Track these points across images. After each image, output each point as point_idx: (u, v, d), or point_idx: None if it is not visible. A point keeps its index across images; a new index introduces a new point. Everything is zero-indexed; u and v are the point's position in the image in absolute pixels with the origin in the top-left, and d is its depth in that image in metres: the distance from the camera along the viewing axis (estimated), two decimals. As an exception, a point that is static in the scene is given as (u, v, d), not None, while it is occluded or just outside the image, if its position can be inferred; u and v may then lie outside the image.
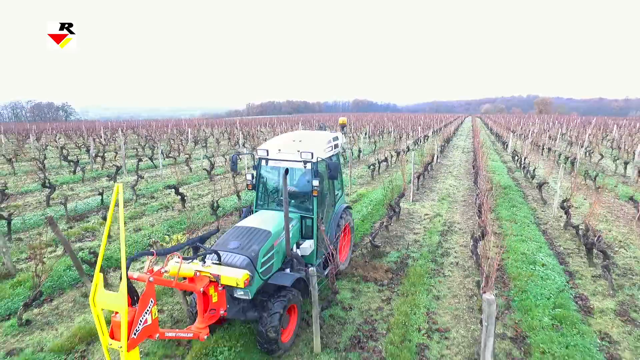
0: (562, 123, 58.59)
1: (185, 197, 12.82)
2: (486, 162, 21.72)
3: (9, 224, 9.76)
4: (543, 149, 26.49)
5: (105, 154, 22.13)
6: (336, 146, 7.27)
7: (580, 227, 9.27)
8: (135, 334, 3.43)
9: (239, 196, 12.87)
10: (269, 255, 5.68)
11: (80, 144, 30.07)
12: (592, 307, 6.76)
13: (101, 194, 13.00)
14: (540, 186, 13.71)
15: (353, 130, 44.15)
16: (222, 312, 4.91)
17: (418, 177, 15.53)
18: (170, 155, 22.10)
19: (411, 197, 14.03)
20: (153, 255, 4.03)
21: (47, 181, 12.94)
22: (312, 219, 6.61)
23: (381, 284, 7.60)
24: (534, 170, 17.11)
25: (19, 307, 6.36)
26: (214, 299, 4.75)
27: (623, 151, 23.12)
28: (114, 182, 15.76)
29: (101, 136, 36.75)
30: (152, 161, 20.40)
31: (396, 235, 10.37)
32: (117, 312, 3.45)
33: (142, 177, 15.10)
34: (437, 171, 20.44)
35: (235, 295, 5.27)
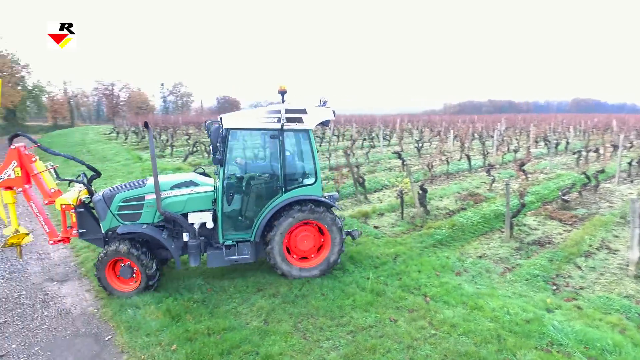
0: None
1: (405, 162, 17.03)
2: None
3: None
4: None
5: (338, 135, 29.16)
6: (290, 119, 6.23)
7: None
8: (2, 179, 5.89)
9: (447, 162, 16.27)
10: (132, 203, 6.10)
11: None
12: None
13: (328, 157, 18.50)
14: None
15: (564, 127, 40.70)
16: (74, 232, 6.17)
17: None
18: (385, 138, 27.24)
19: None
20: (36, 144, 6.22)
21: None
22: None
23: (565, 223, 9.80)
24: None
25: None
26: (73, 219, 6.18)
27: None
28: (351, 151, 21.44)
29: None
30: (371, 141, 25.87)
31: None
32: None
33: (374, 147, 20.25)
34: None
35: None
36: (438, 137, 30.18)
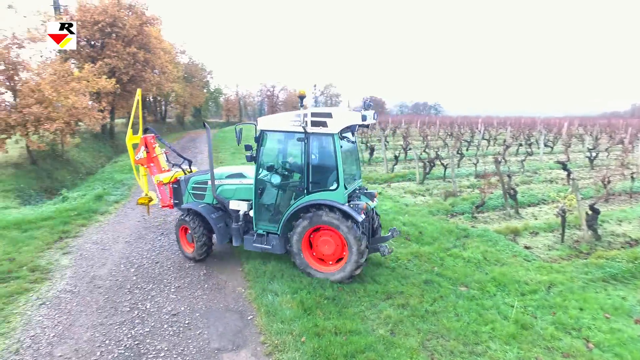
0: None
1: (572, 174, 14.52)
2: None
3: (431, 167, 15.13)
4: None
5: (489, 139, 26.66)
6: (315, 123, 6.25)
7: None
8: (137, 158, 8.16)
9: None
10: (200, 186, 7.65)
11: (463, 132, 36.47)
12: None
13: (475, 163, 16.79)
14: None
15: None
16: (170, 201, 8.19)
17: None
18: (547, 144, 23.72)
19: None
20: (156, 135, 8.45)
21: (458, 150, 18.13)
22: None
23: None
24: None
25: (470, 209, 10.73)
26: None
27: None
28: (503, 158, 19.40)
29: (478, 128, 42.32)
30: (529, 147, 22.84)
31: None
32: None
33: (531, 154, 17.92)
34: None
35: None
36: (620, 145, 24.88)
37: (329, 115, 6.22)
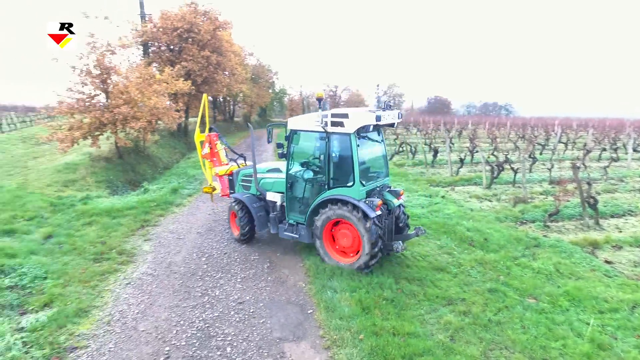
0: None
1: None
2: None
3: (499, 171, 14.27)
4: None
5: (566, 143, 24.65)
6: (334, 123, 6.69)
7: None
8: (203, 153, 9.67)
9: None
10: (247, 178, 8.67)
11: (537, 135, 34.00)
12: None
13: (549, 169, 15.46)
14: None
15: None
16: (227, 191, 9.56)
17: None
18: (636, 149, 21.38)
19: None
20: (217, 133, 9.96)
21: (531, 154, 16.97)
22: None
23: None
24: None
25: (542, 217, 10.07)
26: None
27: None
28: (582, 163, 17.83)
29: (554, 131, 39.25)
30: (615, 152, 20.73)
31: None
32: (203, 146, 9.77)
33: (617, 160, 16.20)
34: None
35: None
36: None
37: (346, 115, 6.61)
